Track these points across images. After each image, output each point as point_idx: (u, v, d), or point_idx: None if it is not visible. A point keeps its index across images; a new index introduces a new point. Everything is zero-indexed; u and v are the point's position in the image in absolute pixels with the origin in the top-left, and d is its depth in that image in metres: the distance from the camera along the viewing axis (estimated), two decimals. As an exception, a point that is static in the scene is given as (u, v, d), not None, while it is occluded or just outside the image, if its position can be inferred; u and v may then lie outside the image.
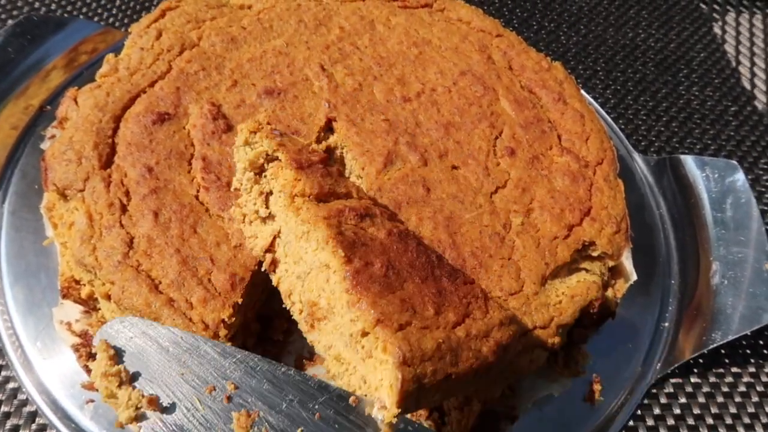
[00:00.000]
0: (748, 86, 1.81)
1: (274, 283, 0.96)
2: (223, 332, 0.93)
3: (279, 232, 0.97)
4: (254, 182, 1.02)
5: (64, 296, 1.03)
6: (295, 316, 0.93)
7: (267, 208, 1.00)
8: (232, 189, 1.06)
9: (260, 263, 0.98)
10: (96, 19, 1.70)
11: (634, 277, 1.16)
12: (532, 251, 1.09)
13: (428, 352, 0.78)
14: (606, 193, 1.20)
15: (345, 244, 0.84)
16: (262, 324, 1.09)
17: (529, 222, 1.14)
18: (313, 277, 0.89)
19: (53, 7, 1.72)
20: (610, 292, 1.15)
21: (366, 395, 0.82)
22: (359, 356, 0.82)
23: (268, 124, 1.04)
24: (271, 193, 1.00)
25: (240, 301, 0.96)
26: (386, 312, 0.79)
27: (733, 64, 1.88)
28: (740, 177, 1.34)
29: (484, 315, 0.87)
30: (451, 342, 0.81)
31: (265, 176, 1.01)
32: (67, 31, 1.51)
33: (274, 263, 0.97)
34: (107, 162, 1.10)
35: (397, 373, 0.75)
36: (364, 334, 0.80)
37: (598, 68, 1.79)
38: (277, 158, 0.99)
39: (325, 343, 0.90)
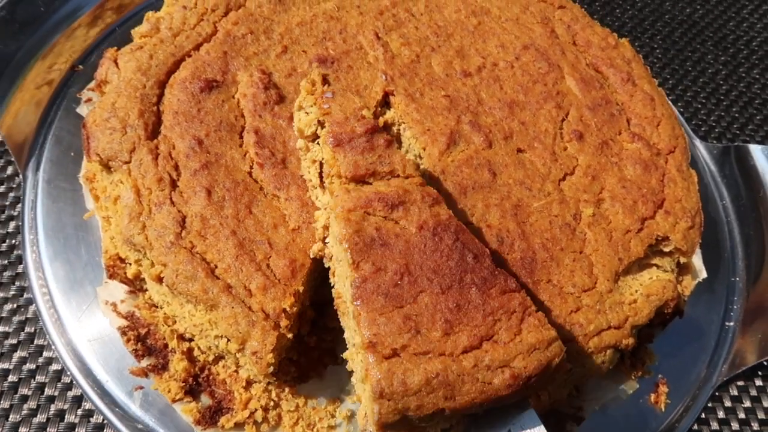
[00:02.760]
0: (810, 71, 1.72)
1: (327, 257, 0.92)
2: (284, 322, 0.87)
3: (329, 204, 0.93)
4: (306, 150, 0.98)
5: (111, 276, 0.97)
6: (334, 296, 0.91)
7: (320, 178, 0.96)
8: (297, 146, 1.02)
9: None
10: (126, -29, 1.58)
11: (703, 274, 1.11)
12: (604, 245, 1.03)
13: (413, 387, 0.72)
14: (679, 185, 1.13)
15: (359, 246, 0.78)
16: (317, 311, 1.03)
17: (600, 213, 1.07)
18: (341, 267, 0.85)
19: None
20: (678, 289, 1.09)
21: (364, 402, 0.80)
22: (359, 365, 0.79)
23: (325, 82, 0.99)
24: (324, 161, 0.95)
25: (301, 289, 0.90)
26: (381, 333, 0.74)
27: (795, 46, 1.78)
28: (814, 170, 1.27)
29: (513, 337, 0.77)
30: (448, 374, 0.73)
31: (318, 144, 0.96)
32: (98, -17, 1.40)
33: (327, 230, 0.93)
34: (153, 132, 1.02)
35: (373, 405, 0.72)
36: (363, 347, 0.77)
37: (655, 45, 1.69)
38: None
39: (345, 336, 0.88)
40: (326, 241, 0.92)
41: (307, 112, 0.98)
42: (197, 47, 1.14)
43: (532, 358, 0.77)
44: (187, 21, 1.17)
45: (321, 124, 0.95)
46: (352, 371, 0.97)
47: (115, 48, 1.13)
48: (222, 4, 1.20)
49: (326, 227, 0.93)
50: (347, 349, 1.02)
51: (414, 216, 0.81)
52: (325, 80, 0.99)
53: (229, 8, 1.21)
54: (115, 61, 1.10)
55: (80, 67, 1.29)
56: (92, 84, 1.14)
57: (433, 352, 0.74)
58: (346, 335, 0.89)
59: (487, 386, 0.75)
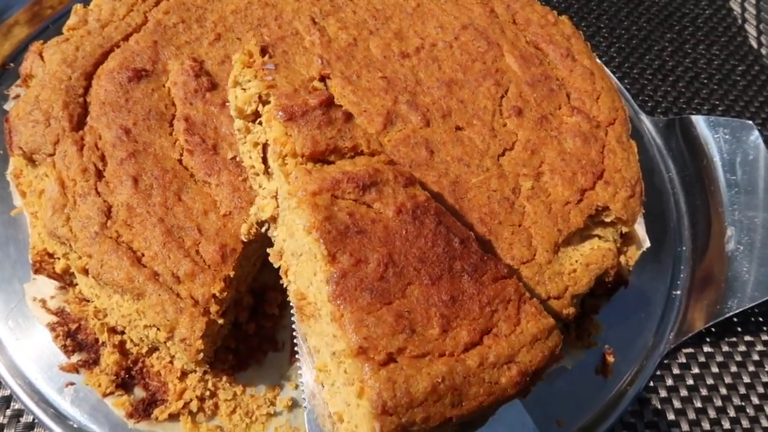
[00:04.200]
0: (755, 45, 1.74)
1: (274, 255, 0.83)
2: (214, 308, 0.85)
3: (277, 192, 0.83)
4: (246, 132, 0.88)
5: (36, 271, 0.94)
6: (291, 299, 0.81)
7: (264, 163, 0.86)
8: (234, 129, 0.92)
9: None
10: (62, -32, 1.55)
11: (647, 243, 1.11)
12: (543, 217, 1.02)
13: (419, 396, 0.62)
14: (619, 155, 1.13)
15: (332, 235, 0.66)
16: (255, 297, 1.01)
17: (539, 186, 1.06)
18: (304, 263, 0.74)
19: (14, -45, 1.56)
20: (622, 259, 1.09)
21: (348, 421, 0.68)
22: (342, 378, 0.68)
23: (263, 54, 0.89)
24: (268, 143, 0.84)
25: (232, 274, 0.88)
26: (372, 336, 0.62)
27: (739, 21, 1.80)
28: (753, 136, 1.28)
29: (513, 328, 0.68)
30: (454, 377, 0.63)
31: (260, 123, 0.85)
32: (30, -20, 1.37)
33: (274, 222, 0.83)
34: (79, 123, 1.00)
35: (373, 424, 0.61)
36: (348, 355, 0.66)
37: (602, 25, 1.70)
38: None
39: (313, 344, 0.76)
40: (270, 233, 0.84)
41: (244, 88, 0.87)
42: (126, 38, 1.12)
43: (536, 350, 0.69)
44: (116, 12, 1.15)
45: (263, 100, 0.84)
46: (296, 356, 0.95)
47: (41, 42, 1.10)
48: (153, -6, 1.18)
49: (274, 218, 0.83)
50: (287, 333, 1.01)
51: (389, 198, 0.71)
52: (264, 51, 0.89)
53: (160, -2, 1.18)
54: (41, 55, 1.08)
55: (11, 65, 1.26)
56: (20, 80, 1.11)
57: (433, 353, 0.64)
58: (313, 343, 0.76)
59: (495, 386, 0.66)
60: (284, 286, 0.82)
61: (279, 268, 0.83)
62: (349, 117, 0.80)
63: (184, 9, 1.17)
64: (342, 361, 0.67)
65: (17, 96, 1.14)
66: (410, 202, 0.72)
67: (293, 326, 0.87)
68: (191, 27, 1.15)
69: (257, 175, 0.89)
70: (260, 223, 0.88)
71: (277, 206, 0.82)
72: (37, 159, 0.97)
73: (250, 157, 0.89)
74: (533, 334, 0.69)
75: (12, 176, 1.05)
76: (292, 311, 0.83)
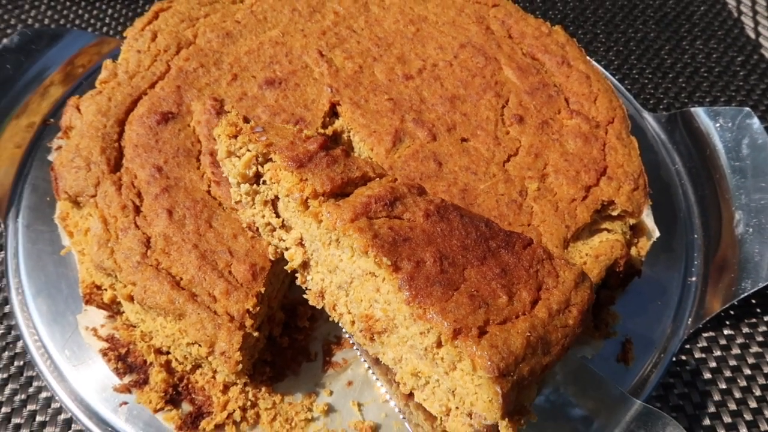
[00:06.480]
0: (752, 35, 1.78)
1: (314, 297, 0.90)
2: (249, 322, 0.92)
3: (301, 239, 0.89)
4: (253, 193, 0.94)
5: (87, 302, 1.03)
6: (347, 329, 0.87)
7: (278, 216, 0.92)
8: (232, 203, 0.98)
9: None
10: (90, 29, 1.69)
11: (656, 233, 1.15)
12: (551, 215, 1.08)
13: (520, 352, 0.71)
14: (620, 151, 1.18)
15: (386, 248, 0.75)
16: (287, 313, 1.08)
17: (545, 187, 1.12)
18: (358, 287, 0.82)
19: (46, 21, 1.71)
20: (633, 251, 1.13)
21: (458, 407, 0.75)
22: (440, 369, 0.76)
23: (246, 121, 0.94)
24: (277, 198, 0.91)
25: (262, 290, 0.95)
26: (459, 317, 0.72)
27: (735, 14, 1.84)
28: (755, 122, 1.31)
29: (556, 280, 0.79)
30: (537, 329, 0.74)
31: (264, 182, 0.91)
32: (63, 43, 1.50)
33: (306, 268, 0.90)
34: (116, 165, 1.10)
35: (495, 388, 0.69)
36: (440, 344, 0.74)
37: (598, 31, 1.77)
38: (270, 159, 0.89)
39: (392, 357, 0.83)
40: (300, 281, 0.90)
41: (239, 156, 0.93)
42: (152, 85, 1.22)
43: (582, 291, 0.80)
44: (142, 63, 1.26)
45: (260, 162, 0.91)
46: (328, 365, 1.02)
47: (78, 96, 1.21)
48: (173, 44, 1.29)
49: (305, 264, 0.89)
50: (319, 344, 1.07)
51: (414, 207, 0.82)
52: (245, 119, 0.95)
53: (180, 47, 1.29)
54: (77, 108, 1.19)
55: (51, 120, 1.38)
56: (61, 133, 1.22)
57: (511, 317, 0.74)
58: (391, 356, 0.82)
59: (567, 329, 0.77)
60: (336, 321, 0.88)
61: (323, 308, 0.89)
62: (346, 152, 0.89)
63: (202, 55, 1.28)
64: (436, 352, 0.75)
65: (59, 147, 1.24)
66: (432, 205, 0.83)
67: (359, 355, 0.94)
68: (210, 70, 1.25)
69: (274, 230, 0.94)
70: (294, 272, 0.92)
71: (305, 251, 0.89)
72: (81, 201, 1.07)
73: (263, 216, 0.94)
74: (573, 280, 0.81)
75: (59, 219, 1.14)
76: (353, 344, 0.93)
